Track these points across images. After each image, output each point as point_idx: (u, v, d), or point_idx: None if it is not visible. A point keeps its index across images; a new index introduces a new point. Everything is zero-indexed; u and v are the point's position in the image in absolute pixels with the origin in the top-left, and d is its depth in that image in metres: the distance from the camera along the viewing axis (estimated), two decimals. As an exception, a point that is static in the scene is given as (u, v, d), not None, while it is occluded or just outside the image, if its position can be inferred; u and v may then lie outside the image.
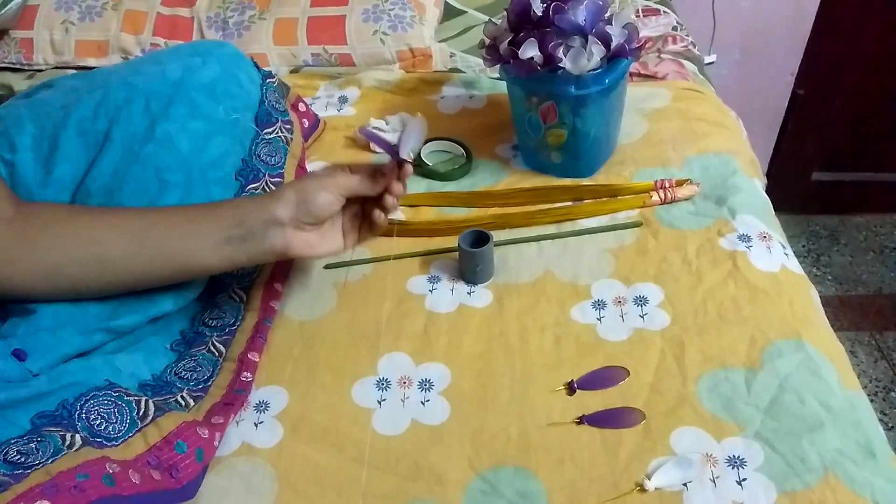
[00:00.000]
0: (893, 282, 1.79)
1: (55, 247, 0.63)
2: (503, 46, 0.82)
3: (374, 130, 0.98)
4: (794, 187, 1.83)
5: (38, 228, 0.63)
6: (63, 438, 0.55)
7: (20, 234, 0.62)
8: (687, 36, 1.17)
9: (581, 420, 0.64)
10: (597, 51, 0.79)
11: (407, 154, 0.69)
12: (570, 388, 0.66)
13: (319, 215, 0.66)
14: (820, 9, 1.58)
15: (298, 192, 0.66)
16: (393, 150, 0.69)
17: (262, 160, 0.81)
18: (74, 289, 0.65)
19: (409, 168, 0.69)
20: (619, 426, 0.64)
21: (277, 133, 0.85)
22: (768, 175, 1.61)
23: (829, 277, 1.78)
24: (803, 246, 1.88)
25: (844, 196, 1.95)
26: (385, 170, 0.69)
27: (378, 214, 0.69)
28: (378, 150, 0.97)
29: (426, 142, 0.97)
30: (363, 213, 0.72)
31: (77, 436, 0.56)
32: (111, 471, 0.54)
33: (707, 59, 1.49)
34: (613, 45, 0.80)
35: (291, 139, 0.87)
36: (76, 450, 0.54)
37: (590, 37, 0.79)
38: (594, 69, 0.80)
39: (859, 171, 1.90)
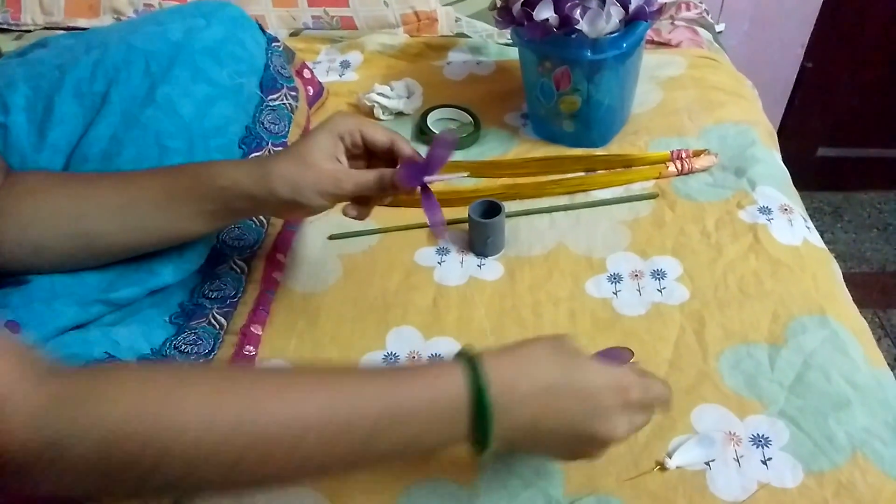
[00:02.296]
0: (897, 259, 1.78)
1: (37, 221, 0.60)
2: (516, 7, 0.79)
3: (378, 97, 0.94)
4: (798, 163, 1.80)
5: (19, 203, 0.60)
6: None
7: (2, 208, 0.59)
8: (700, 3, 1.13)
9: None
10: (615, 12, 0.76)
11: (429, 179, 0.61)
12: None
13: (310, 215, 0.62)
14: (832, -20, 1.54)
15: (292, 194, 0.58)
16: (419, 168, 0.61)
17: (265, 128, 0.78)
18: (63, 262, 0.62)
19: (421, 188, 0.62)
20: None
21: (282, 100, 0.81)
22: (774, 150, 1.59)
23: (833, 254, 1.76)
24: (807, 222, 1.86)
25: (849, 172, 1.93)
26: (397, 181, 0.60)
27: (349, 210, 0.64)
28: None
29: (431, 109, 0.94)
30: None
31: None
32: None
33: (716, 29, 1.45)
34: (632, 6, 0.77)
35: (296, 107, 0.84)
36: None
37: (608, -2, 0.75)
38: (611, 32, 0.77)
39: (865, 147, 1.88)
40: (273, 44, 0.83)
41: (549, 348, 0.49)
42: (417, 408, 0.44)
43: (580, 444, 0.49)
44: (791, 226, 0.74)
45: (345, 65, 1.04)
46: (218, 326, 0.69)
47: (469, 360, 0.46)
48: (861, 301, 0.70)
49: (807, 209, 0.82)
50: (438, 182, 0.63)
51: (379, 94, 0.95)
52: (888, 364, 0.64)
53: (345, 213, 0.63)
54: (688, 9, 1.11)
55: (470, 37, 1.10)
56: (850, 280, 0.73)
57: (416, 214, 0.81)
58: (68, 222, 0.59)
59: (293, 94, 0.83)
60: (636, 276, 0.72)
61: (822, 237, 0.77)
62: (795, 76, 1.72)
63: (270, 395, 0.41)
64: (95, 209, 0.60)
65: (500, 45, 1.05)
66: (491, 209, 0.75)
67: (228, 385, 0.42)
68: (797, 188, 0.84)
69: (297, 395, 0.42)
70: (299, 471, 0.44)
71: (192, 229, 0.62)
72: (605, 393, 0.48)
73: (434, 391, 0.45)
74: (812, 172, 1.89)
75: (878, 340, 1.54)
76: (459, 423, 0.44)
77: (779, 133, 1.81)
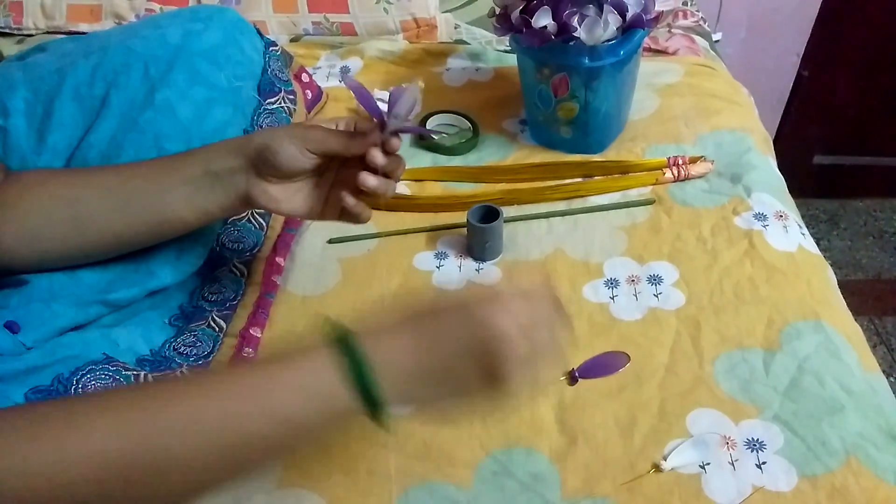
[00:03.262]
0: (892, 267, 1.79)
1: (34, 209, 0.60)
2: (515, 15, 0.79)
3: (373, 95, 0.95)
4: (795, 170, 1.80)
5: (18, 193, 0.60)
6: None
7: (2, 202, 0.59)
8: (697, 11, 1.14)
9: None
10: (612, 20, 0.76)
11: (394, 124, 0.58)
12: (572, 378, 0.64)
13: (282, 167, 0.59)
14: (828, -11, 1.55)
15: (265, 139, 0.59)
16: (380, 116, 0.59)
17: (263, 131, 0.78)
18: (58, 253, 0.61)
19: (396, 142, 0.59)
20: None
21: (280, 103, 0.82)
22: (770, 157, 1.60)
23: (829, 262, 1.77)
24: (803, 229, 1.87)
25: (845, 180, 1.94)
26: (367, 129, 0.59)
27: (346, 197, 0.61)
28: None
29: (430, 115, 0.95)
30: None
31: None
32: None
33: (713, 37, 1.46)
34: (629, 14, 0.77)
35: (294, 110, 0.84)
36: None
37: (605, 5, 0.76)
38: (609, 40, 0.78)
39: (860, 154, 1.89)
40: (271, 48, 0.83)
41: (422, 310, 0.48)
42: (292, 400, 0.43)
43: (482, 369, 0.46)
44: (786, 232, 0.75)
45: (345, 70, 1.05)
46: (217, 329, 0.69)
47: (335, 332, 0.45)
48: (856, 308, 0.71)
49: (803, 216, 0.82)
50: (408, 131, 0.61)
51: (378, 99, 0.95)
52: (883, 371, 0.64)
53: (344, 204, 0.62)
54: (685, 17, 1.12)
55: (469, 43, 1.10)
56: (846, 287, 0.74)
57: (415, 219, 0.82)
58: (63, 207, 0.59)
59: (291, 97, 0.84)
60: (633, 281, 0.72)
61: (818, 244, 0.78)
62: (792, 84, 1.73)
63: (149, 421, 0.41)
64: (88, 191, 0.60)
65: (498, 52, 1.06)
66: (489, 214, 0.75)
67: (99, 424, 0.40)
68: (793, 195, 0.84)
69: (172, 418, 0.41)
70: (202, 484, 0.43)
71: (180, 207, 0.60)
72: (480, 308, 0.46)
73: (303, 372, 0.44)
74: (808, 180, 1.90)
75: (874, 347, 1.54)
76: (335, 385, 0.43)
77: (775, 140, 1.82)
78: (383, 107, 0.60)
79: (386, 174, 0.61)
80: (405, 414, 0.46)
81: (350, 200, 0.61)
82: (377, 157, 0.58)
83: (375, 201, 0.63)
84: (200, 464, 0.41)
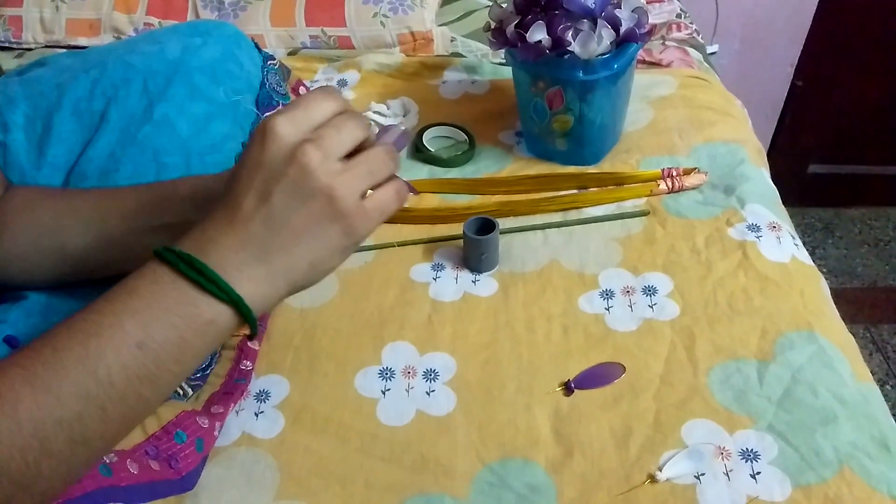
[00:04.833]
0: (888, 275, 1.80)
1: (22, 235, 0.59)
2: (510, 29, 0.80)
3: (374, 115, 0.96)
4: (790, 180, 1.82)
5: (10, 214, 0.60)
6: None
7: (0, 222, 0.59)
8: (691, 23, 1.15)
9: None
10: (606, 34, 0.77)
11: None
12: (568, 389, 0.65)
13: None
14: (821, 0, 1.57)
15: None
16: None
17: (261, 144, 0.79)
18: (47, 277, 0.60)
19: None
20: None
21: (278, 116, 0.82)
22: (765, 167, 1.61)
23: (824, 270, 1.78)
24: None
25: (840, 189, 1.95)
26: None
27: None
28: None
29: (427, 128, 0.95)
30: None
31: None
32: (108, 461, 0.52)
33: (709, 49, 1.47)
34: (623, 28, 0.78)
35: (292, 123, 0.84)
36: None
37: (599, 20, 0.77)
38: (603, 54, 0.79)
39: (855, 163, 1.90)
40: (269, 62, 0.84)
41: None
42: (138, 322, 0.41)
43: (287, 198, 0.42)
44: (779, 243, 0.76)
45: (342, 83, 1.05)
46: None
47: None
48: (852, 316, 0.71)
49: (798, 225, 0.83)
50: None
51: (375, 112, 0.96)
52: (880, 379, 0.65)
53: None
54: (679, 29, 1.13)
55: (465, 56, 1.11)
56: (842, 295, 0.75)
57: (412, 231, 0.82)
58: (49, 236, 0.58)
59: (289, 111, 0.85)
60: (628, 292, 0.73)
61: (813, 253, 0.79)
62: (786, 94, 1.74)
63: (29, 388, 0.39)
64: (72, 223, 0.58)
65: (494, 65, 1.07)
66: (485, 226, 0.76)
67: None
68: (789, 205, 0.85)
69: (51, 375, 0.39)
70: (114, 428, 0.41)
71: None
72: (249, 151, 0.42)
73: (138, 292, 0.42)
74: (803, 189, 1.91)
75: (870, 355, 1.55)
76: (176, 285, 0.41)
77: (770, 150, 1.84)
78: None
79: None
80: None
81: None
82: None
83: None
84: (93, 419, 0.40)
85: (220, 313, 0.42)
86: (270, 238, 0.42)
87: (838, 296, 0.74)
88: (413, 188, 0.50)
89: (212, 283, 0.41)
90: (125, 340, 0.40)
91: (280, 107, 0.83)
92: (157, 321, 0.41)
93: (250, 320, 0.43)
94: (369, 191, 0.44)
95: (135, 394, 0.41)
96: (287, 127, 0.42)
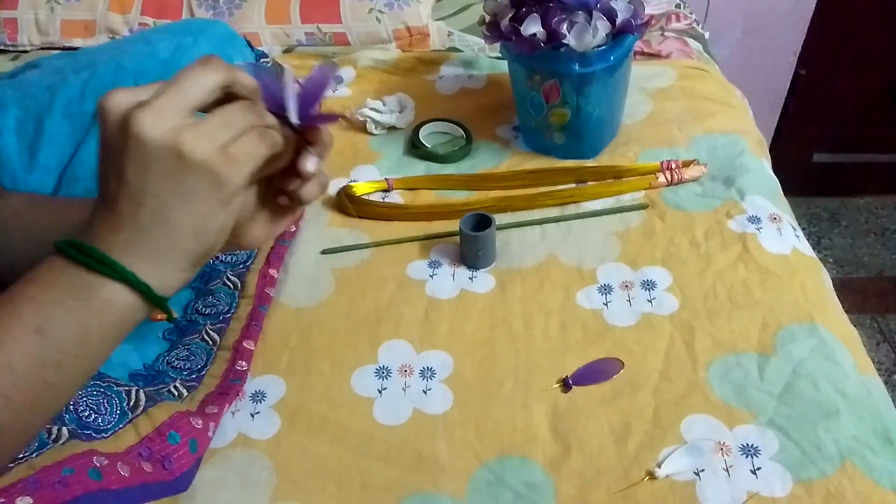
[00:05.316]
0: (895, 264, 1.78)
1: (10, 244, 0.59)
2: (504, 23, 0.79)
3: (371, 111, 0.95)
4: (794, 169, 1.81)
5: (2, 224, 0.60)
6: (49, 432, 0.52)
7: None
8: (690, 13, 1.14)
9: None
10: (602, 26, 0.76)
11: (297, 114, 0.44)
12: (566, 385, 0.64)
13: None
14: (823, -13, 1.55)
15: None
16: (282, 111, 0.45)
17: (255, 142, 0.78)
18: None
19: (318, 132, 0.46)
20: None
21: (271, 114, 0.82)
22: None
23: (830, 260, 1.77)
24: (804, 228, 1.84)
25: (845, 178, 1.93)
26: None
27: (281, 199, 0.49)
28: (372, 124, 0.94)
29: (424, 123, 0.95)
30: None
31: (64, 428, 0.53)
32: (98, 464, 0.52)
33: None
34: (619, 20, 0.77)
35: (285, 120, 0.84)
36: (62, 443, 0.52)
37: (594, 12, 0.76)
38: (599, 46, 0.78)
39: (860, 152, 1.88)
40: (261, 60, 0.84)
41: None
42: (36, 309, 0.40)
43: (184, 180, 0.40)
44: (780, 235, 0.75)
45: (337, 80, 1.05)
46: (211, 342, 0.69)
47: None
48: (859, 306, 0.70)
49: (804, 215, 0.82)
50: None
51: (371, 108, 0.95)
52: (887, 369, 0.64)
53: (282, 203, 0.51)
54: (678, 20, 1.12)
55: (462, 51, 1.10)
56: (848, 285, 0.74)
57: (408, 228, 0.82)
58: (34, 248, 0.56)
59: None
60: (626, 286, 0.72)
61: (819, 243, 0.78)
62: (789, 83, 1.73)
63: None
64: (56, 236, 0.58)
65: (491, 59, 1.06)
66: (482, 222, 0.75)
67: None
68: (794, 194, 0.84)
69: None
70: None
71: None
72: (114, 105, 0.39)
73: (35, 280, 0.41)
74: (808, 179, 1.89)
75: (877, 345, 1.54)
76: (65, 268, 0.41)
77: (774, 140, 1.83)
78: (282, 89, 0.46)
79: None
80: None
81: (284, 200, 0.51)
82: (309, 164, 0.47)
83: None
84: None
85: (117, 292, 0.41)
86: (139, 213, 0.40)
87: (844, 285, 0.73)
88: (332, 117, 0.46)
89: (100, 263, 0.40)
90: (22, 327, 0.40)
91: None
92: (54, 305, 0.40)
93: (154, 298, 0.42)
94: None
95: (39, 379, 0.40)
96: (115, 99, 0.39)
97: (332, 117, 0.46)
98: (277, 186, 0.48)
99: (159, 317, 0.44)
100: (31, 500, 0.48)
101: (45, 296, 0.40)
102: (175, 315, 0.42)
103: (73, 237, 0.41)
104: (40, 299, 0.40)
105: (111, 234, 0.41)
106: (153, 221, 0.41)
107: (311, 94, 0.45)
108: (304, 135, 0.46)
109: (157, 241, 0.41)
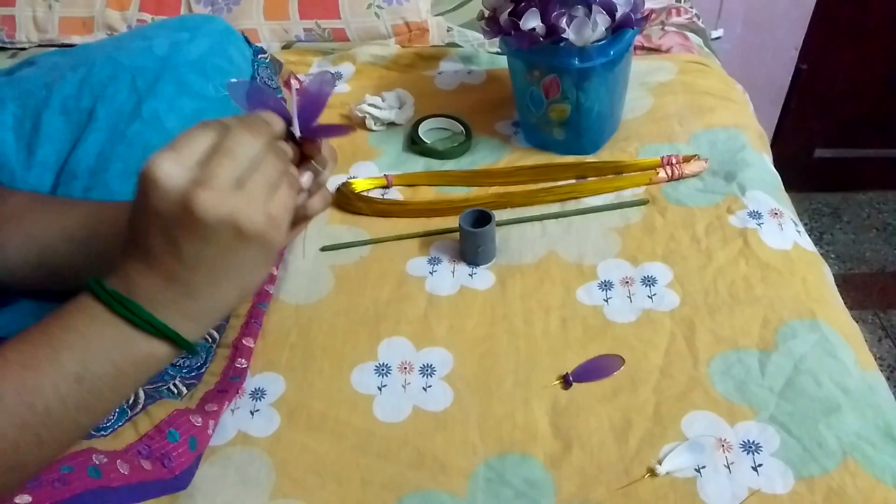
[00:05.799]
0: (896, 259, 1.77)
1: (11, 246, 0.58)
2: (503, 17, 0.79)
3: (370, 108, 0.94)
4: (796, 164, 1.80)
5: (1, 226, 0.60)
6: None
7: None
8: (691, 8, 1.13)
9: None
10: (601, 20, 0.76)
11: (302, 128, 0.46)
12: (566, 382, 0.64)
13: None
14: (825, -19, 1.54)
15: None
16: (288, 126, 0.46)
17: (253, 139, 0.78)
18: (35, 287, 0.60)
19: (317, 146, 0.47)
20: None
21: (270, 111, 0.81)
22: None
23: (832, 255, 1.76)
24: (805, 224, 1.85)
25: (847, 173, 1.92)
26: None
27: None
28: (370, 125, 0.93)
29: (423, 119, 0.94)
30: None
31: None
32: (97, 462, 0.52)
33: (714, 34, 1.46)
34: (618, 14, 0.77)
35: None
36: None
37: (594, 6, 0.76)
38: (598, 40, 0.77)
39: (862, 147, 1.88)
40: (259, 55, 0.83)
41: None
42: (77, 357, 0.41)
43: (232, 247, 0.40)
44: (781, 230, 0.74)
45: (336, 76, 1.04)
46: (210, 340, 0.69)
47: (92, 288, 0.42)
48: (861, 301, 0.70)
49: (805, 210, 0.82)
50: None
51: (370, 104, 0.95)
52: (889, 365, 0.63)
53: None
54: (678, 14, 1.11)
55: (461, 46, 1.10)
56: (850, 281, 0.73)
57: (408, 224, 0.81)
58: (37, 252, 0.58)
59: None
60: (627, 282, 0.72)
61: (821, 238, 0.78)
62: (791, 78, 1.72)
63: None
64: (61, 241, 0.58)
65: (490, 55, 1.06)
66: (482, 218, 0.75)
67: None
68: (795, 190, 0.84)
69: None
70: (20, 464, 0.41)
71: None
72: (168, 171, 0.39)
73: (77, 329, 0.41)
74: (810, 174, 1.89)
75: (879, 341, 1.53)
76: (113, 324, 0.41)
77: (776, 135, 1.82)
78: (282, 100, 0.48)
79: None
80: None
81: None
82: (301, 180, 0.47)
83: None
84: (28, 446, 0.40)
85: (159, 347, 0.42)
86: (191, 279, 0.41)
87: (847, 281, 0.73)
88: (344, 129, 0.47)
89: (147, 322, 0.41)
90: (63, 374, 0.40)
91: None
92: (96, 356, 0.41)
93: (190, 349, 0.43)
94: None
95: (71, 421, 0.41)
96: (166, 170, 0.39)
97: (341, 129, 0.47)
98: None
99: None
100: (31, 498, 0.48)
101: (88, 346, 0.41)
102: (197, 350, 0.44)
103: (114, 288, 0.41)
104: (82, 349, 0.41)
105: (157, 292, 0.41)
106: (204, 287, 0.42)
107: (311, 107, 0.46)
108: (302, 147, 0.47)
109: (204, 304, 0.43)
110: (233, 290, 0.43)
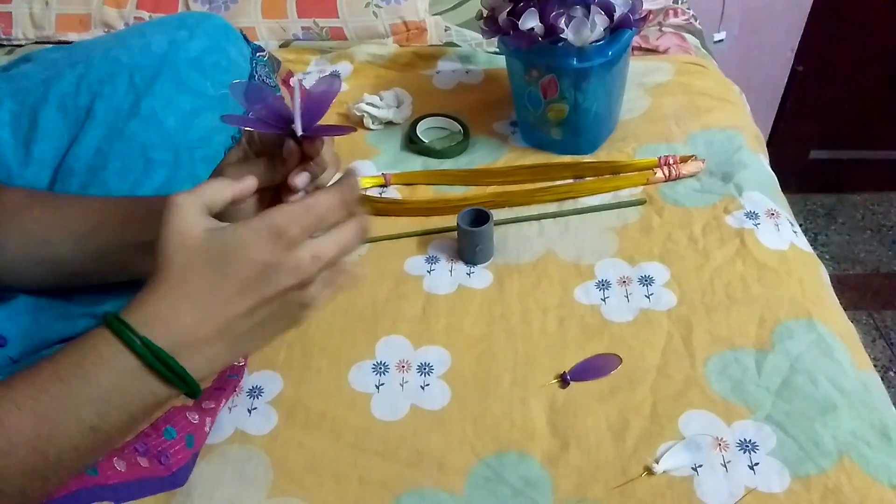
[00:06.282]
0: (891, 260, 1.78)
1: (10, 242, 0.58)
2: (502, 17, 0.79)
3: (367, 107, 0.94)
4: (791, 166, 1.81)
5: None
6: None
7: None
8: (688, 9, 1.14)
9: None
10: (600, 21, 0.76)
11: (304, 127, 0.46)
12: (563, 381, 0.64)
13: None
14: (821, -17, 1.55)
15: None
16: (288, 125, 0.47)
17: (251, 137, 0.78)
18: (34, 283, 0.60)
19: (318, 146, 0.48)
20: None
21: (268, 109, 0.81)
22: (766, 153, 1.59)
23: (827, 256, 1.77)
24: (800, 225, 1.85)
25: (842, 174, 1.93)
26: (286, 153, 0.49)
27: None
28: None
29: (421, 118, 0.94)
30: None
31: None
32: (95, 460, 0.52)
33: (716, 37, 1.46)
34: (617, 14, 0.77)
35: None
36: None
37: (592, 6, 0.76)
38: (597, 41, 0.78)
39: (857, 149, 1.89)
40: (258, 53, 0.83)
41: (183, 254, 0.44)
42: (95, 410, 0.42)
43: (275, 305, 0.45)
44: (778, 230, 0.75)
45: (334, 75, 1.04)
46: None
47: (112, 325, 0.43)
48: (856, 302, 0.70)
49: (800, 211, 0.82)
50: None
51: (368, 103, 0.95)
52: (883, 365, 0.64)
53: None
54: (675, 15, 1.11)
55: (459, 46, 1.10)
56: (845, 282, 0.74)
57: (406, 223, 0.82)
58: (35, 247, 0.58)
59: (279, 103, 0.84)
60: (624, 282, 0.72)
61: (815, 239, 0.78)
62: (787, 80, 1.73)
63: None
64: (60, 237, 0.58)
65: (489, 54, 1.06)
66: (480, 217, 0.75)
67: None
68: (791, 191, 0.84)
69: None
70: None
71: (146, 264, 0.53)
72: (256, 245, 0.43)
73: (98, 381, 0.42)
74: (805, 175, 1.90)
75: (873, 342, 1.54)
76: (140, 377, 0.42)
77: (771, 136, 1.82)
78: (279, 101, 0.49)
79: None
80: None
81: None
82: (300, 179, 0.49)
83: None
84: (35, 488, 0.41)
85: (172, 395, 0.44)
86: (244, 328, 0.44)
87: (841, 282, 0.73)
88: (346, 129, 0.49)
89: (180, 379, 0.42)
90: (80, 426, 0.41)
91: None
92: (114, 409, 0.42)
93: (196, 394, 0.45)
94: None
95: (79, 464, 0.43)
96: (299, 241, 0.44)
97: (342, 129, 0.48)
98: (285, 200, 0.50)
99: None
100: None
101: (108, 401, 0.42)
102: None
103: (141, 329, 0.42)
104: (102, 402, 0.42)
105: (190, 328, 0.43)
106: (248, 336, 0.45)
107: (315, 108, 0.47)
108: (302, 147, 0.48)
109: (236, 347, 0.45)
110: (267, 339, 0.47)
